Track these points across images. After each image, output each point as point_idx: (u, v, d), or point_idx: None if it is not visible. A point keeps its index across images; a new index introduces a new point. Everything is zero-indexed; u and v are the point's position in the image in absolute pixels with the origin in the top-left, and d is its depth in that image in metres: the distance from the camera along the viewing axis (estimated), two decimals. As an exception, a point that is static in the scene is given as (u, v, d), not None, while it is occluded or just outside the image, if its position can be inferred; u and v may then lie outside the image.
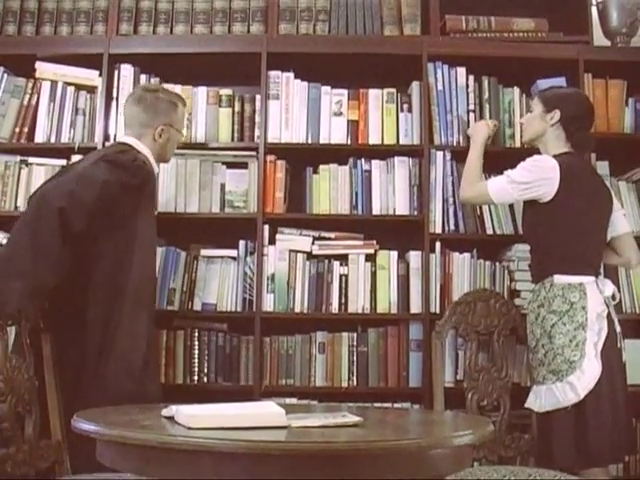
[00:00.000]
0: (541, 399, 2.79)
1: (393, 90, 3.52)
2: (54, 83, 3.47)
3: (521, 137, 3.39)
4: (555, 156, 2.93)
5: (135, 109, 3.02)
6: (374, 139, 3.49)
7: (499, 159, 3.21)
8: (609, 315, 2.83)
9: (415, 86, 3.50)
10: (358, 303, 3.39)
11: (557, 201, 2.86)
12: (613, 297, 2.92)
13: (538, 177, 2.87)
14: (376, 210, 3.44)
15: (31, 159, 3.45)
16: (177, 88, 3.40)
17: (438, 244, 3.39)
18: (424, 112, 3.44)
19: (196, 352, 3.36)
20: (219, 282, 3.40)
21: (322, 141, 3.48)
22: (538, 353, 2.85)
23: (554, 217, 2.88)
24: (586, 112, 3.01)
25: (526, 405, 2.87)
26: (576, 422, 2.70)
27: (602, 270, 3.08)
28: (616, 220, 3.05)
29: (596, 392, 2.71)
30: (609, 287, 2.88)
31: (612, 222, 3.03)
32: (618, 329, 2.86)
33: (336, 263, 3.42)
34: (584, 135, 2.99)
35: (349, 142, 3.49)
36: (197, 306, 3.38)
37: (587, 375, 2.71)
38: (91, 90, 3.49)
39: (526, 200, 2.96)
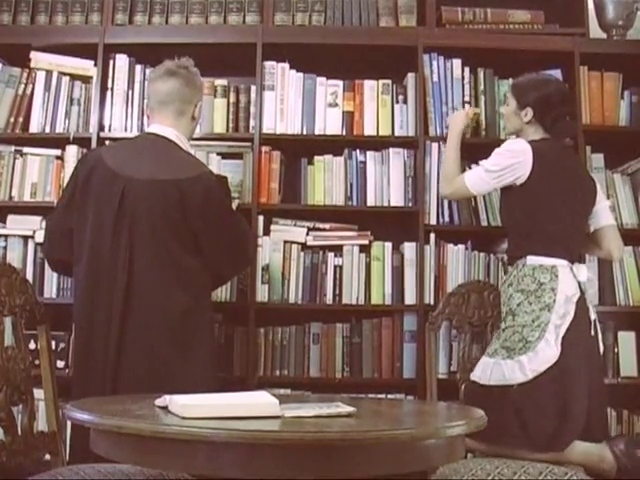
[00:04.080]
0: (487, 373, 2.77)
1: (388, 81, 3.52)
2: (49, 73, 3.47)
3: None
4: (531, 141, 2.93)
5: (174, 84, 2.78)
6: (369, 130, 3.49)
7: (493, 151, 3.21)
8: (581, 301, 2.80)
9: (410, 77, 3.50)
10: (352, 294, 3.40)
11: (531, 183, 2.86)
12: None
13: (511, 162, 2.88)
14: (371, 201, 3.45)
15: (26, 149, 3.45)
16: (172, 78, 3.40)
17: (433, 235, 3.40)
18: (419, 103, 3.44)
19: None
20: (214, 273, 3.40)
21: (317, 132, 3.48)
22: (498, 329, 2.86)
23: (528, 199, 2.88)
24: (559, 101, 2.97)
25: (471, 377, 2.85)
26: (517, 401, 2.67)
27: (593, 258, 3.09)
28: (599, 212, 3.04)
29: (546, 376, 2.68)
30: (583, 272, 2.85)
31: (595, 213, 3.03)
32: (593, 317, 2.84)
33: (330, 254, 3.43)
34: (561, 124, 2.97)
35: (344, 133, 3.49)
36: (192, 297, 3.37)
37: (540, 358, 2.68)
38: (86, 80, 3.49)
39: (503, 186, 2.95)
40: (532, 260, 2.84)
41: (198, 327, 2.68)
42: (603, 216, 3.05)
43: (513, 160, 2.88)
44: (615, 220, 3.14)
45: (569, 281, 2.80)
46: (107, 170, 2.68)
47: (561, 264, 2.82)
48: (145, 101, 3.41)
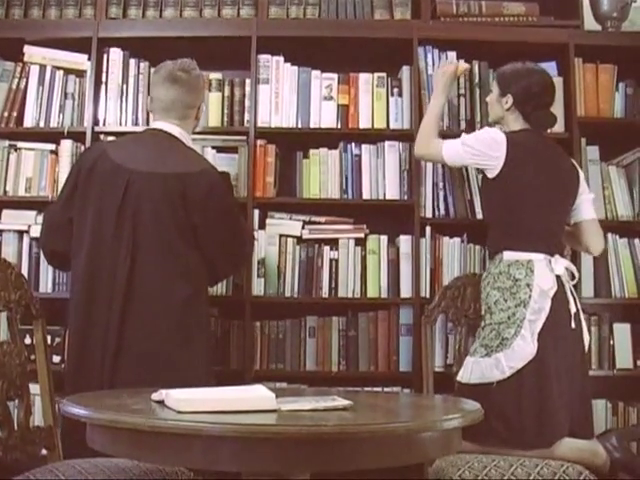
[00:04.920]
0: (467, 371, 2.77)
1: (383, 74, 3.51)
2: (43, 67, 3.45)
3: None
4: (512, 132, 2.92)
5: (176, 92, 2.82)
6: (364, 123, 3.48)
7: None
8: (559, 294, 2.76)
9: (405, 70, 3.49)
10: (348, 287, 3.40)
11: (505, 176, 2.83)
12: (572, 277, 2.89)
13: (486, 149, 2.85)
14: (366, 194, 3.45)
15: (20, 144, 3.44)
16: (166, 72, 3.39)
17: (428, 228, 3.40)
18: (414, 96, 3.44)
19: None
20: (209, 267, 3.40)
21: (312, 125, 3.47)
22: (478, 328, 2.86)
23: (503, 192, 2.86)
24: (540, 91, 2.94)
25: (457, 378, 2.84)
26: (498, 399, 2.65)
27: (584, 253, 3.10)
28: (581, 205, 3.00)
29: (525, 373, 2.65)
30: (560, 265, 2.80)
31: (577, 206, 2.99)
32: (573, 310, 2.79)
33: (326, 247, 3.42)
34: (541, 114, 2.94)
35: (339, 126, 3.48)
36: (187, 291, 3.37)
37: (517, 355, 2.66)
38: (80, 74, 3.48)
39: (476, 168, 2.94)
40: (508, 256, 2.80)
41: (198, 318, 2.70)
42: (584, 209, 3.01)
43: (488, 148, 2.85)
44: (601, 212, 3.12)
45: (545, 275, 2.76)
46: (111, 162, 2.70)
47: (537, 258, 2.78)
48: (140, 95, 3.44)
